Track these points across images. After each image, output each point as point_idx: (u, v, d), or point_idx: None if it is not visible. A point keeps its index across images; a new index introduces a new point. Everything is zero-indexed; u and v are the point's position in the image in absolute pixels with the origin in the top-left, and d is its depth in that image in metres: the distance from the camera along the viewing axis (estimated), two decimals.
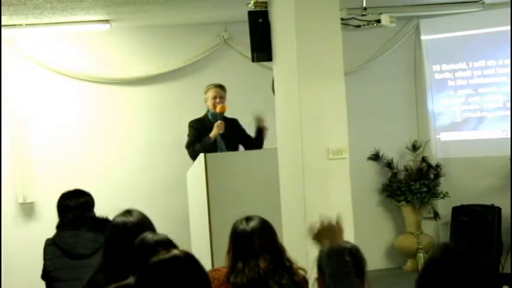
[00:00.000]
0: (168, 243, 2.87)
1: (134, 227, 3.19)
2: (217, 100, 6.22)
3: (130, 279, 2.77)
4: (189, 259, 2.33)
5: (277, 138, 5.04)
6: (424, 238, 7.39)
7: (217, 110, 6.15)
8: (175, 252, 2.34)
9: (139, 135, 7.15)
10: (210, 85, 6.34)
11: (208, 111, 6.30)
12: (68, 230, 4.00)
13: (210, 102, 6.27)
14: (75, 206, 4.07)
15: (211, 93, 6.27)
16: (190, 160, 6.18)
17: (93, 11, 5.89)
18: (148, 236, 2.89)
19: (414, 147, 7.60)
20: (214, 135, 6.08)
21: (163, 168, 7.12)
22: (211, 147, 6.06)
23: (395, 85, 7.73)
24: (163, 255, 2.33)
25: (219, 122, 6.09)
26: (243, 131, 6.38)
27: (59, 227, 4.08)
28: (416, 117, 7.78)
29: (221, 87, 6.31)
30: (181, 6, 5.99)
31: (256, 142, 6.24)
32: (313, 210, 4.63)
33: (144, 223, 3.29)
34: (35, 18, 6.00)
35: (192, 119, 6.35)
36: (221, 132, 6.08)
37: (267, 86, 5.65)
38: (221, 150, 6.12)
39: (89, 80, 7.03)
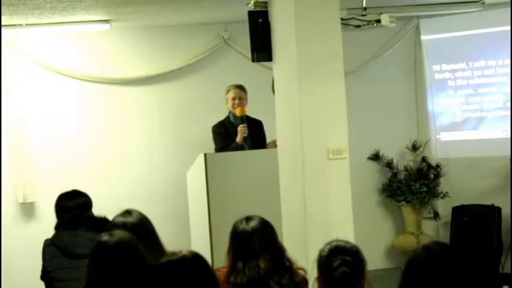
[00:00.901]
0: (130, 245, 2.81)
1: (134, 228, 3.19)
2: (236, 101, 6.22)
3: None
4: (197, 260, 2.33)
5: (277, 138, 5.04)
6: (424, 238, 7.38)
7: (237, 113, 6.15)
8: (183, 252, 2.33)
9: (140, 135, 7.15)
10: (230, 86, 6.35)
11: (230, 113, 6.30)
12: (67, 230, 4.00)
13: (229, 104, 6.27)
14: (73, 206, 4.07)
15: (230, 94, 6.28)
16: (191, 160, 6.18)
17: (93, 11, 5.89)
18: (105, 237, 2.83)
19: (414, 147, 7.60)
20: (240, 140, 6.06)
21: (163, 168, 7.12)
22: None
23: (395, 85, 7.73)
24: (171, 256, 2.32)
25: (241, 126, 6.07)
26: (263, 136, 6.33)
27: (57, 227, 4.08)
28: (416, 117, 7.78)
29: (241, 88, 6.31)
30: (181, 6, 5.99)
31: None
32: (313, 210, 4.64)
33: (143, 223, 3.29)
34: (35, 18, 6.00)
35: (215, 122, 6.32)
36: (245, 135, 6.06)
37: (267, 86, 5.65)
38: None
39: (89, 80, 7.03)
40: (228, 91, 6.31)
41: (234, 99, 6.24)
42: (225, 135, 6.20)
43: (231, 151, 6.02)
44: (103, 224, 3.69)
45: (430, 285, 2.06)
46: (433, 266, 2.07)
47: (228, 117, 6.30)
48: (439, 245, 2.18)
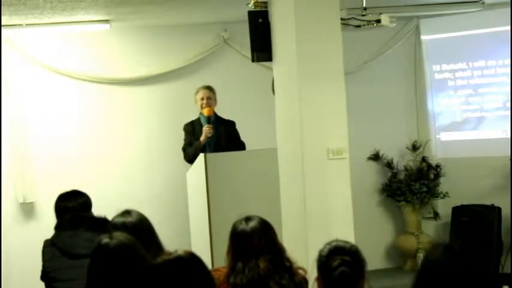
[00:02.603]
0: (130, 247, 2.78)
1: (133, 228, 3.19)
2: (205, 101, 6.39)
3: None
4: (192, 259, 2.33)
5: (277, 138, 5.04)
6: (424, 238, 7.38)
7: (205, 113, 6.33)
8: (179, 252, 2.33)
9: (140, 135, 7.15)
10: (199, 87, 6.52)
11: (200, 114, 6.46)
12: (66, 230, 4.00)
13: (198, 104, 6.45)
14: (73, 206, 4.07)
15: (199, 95, 6.45)
16: None
17: (93, 11, 5.89)
18: (105, 239, 2.82)
19: (414, 147, 7.60)
20: (204, 140, 6.24)
21: (163, 168, 7.12)
22: (202, 151, 6.15)
23: (395, 85, 7.72)
24: (167, 255, 2.32)
25: (206, 126, 6.24)
26: (235, 135, 6.43)
27: (57, 227, 4.08)
28: (416, 117, 7.78)
29: (209, 89, 6.48)
30: (181, 6, 5.99)
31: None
32: (313, 210, 4.64)
33: (142, 223, 3.29)
34: (35, 18, 6.00)
35: (186, 122, 6.51)
36: (209, 135, 6.23)
37: (267, 86, 5.65)
38: None
39: (89, 80, 7.03)
40: (197, 92, 6.49)
41: (202, 99, 6.42)
42: (191, 134, 6.40)
43: (193, 150, 6.23)
44: (103, 224, 3.68)
45: (447, 284, 2.06)
46: (453, 266, 2.07)
47: (198, 118, 6.46)
48: (458, 246, 2.18)
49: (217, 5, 6.06)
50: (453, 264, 2.07)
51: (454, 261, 2.08)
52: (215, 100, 6.49)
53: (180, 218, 6.58)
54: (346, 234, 4.22)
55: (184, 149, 6.44)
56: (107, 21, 6.46)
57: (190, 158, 6.28)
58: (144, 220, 3.33)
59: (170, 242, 3.24)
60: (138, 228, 3.18)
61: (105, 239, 2.77)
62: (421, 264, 2.16)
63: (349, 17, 5.27)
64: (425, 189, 7.39)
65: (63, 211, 4.08)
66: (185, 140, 6.47)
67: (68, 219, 4.02)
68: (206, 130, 6.24)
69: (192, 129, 6.44)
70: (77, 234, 3.95)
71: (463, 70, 7.51)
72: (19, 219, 6.88)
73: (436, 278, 2.08)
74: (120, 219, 3.29)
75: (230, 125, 6.46)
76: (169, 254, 2.32)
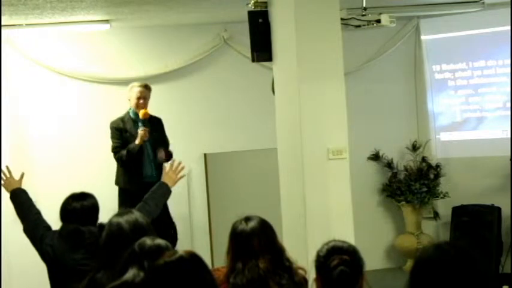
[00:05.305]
0: (166, 249, 2.85)
1: (132, 227, 3.19)
2: (141, 101, 6.12)
3: (128, 275, 2.76)
4: (194, 260, 2.33)
5: (277, 138, 5.05)
6: (424, 238, 7.38)
7: (140, 115, 6.05)
8: (180, 253, 2.33)
9: None
10: (135, 83, 6.24)
11: (130, 109, 6.22)
12: (67, 242, 3.97)
13: (133, 102, 6.16)
14: (81, 209, 4.02)
15: (135, 93, 6.16)
16: (191, 160, 6.18)
17: (93, 11, 5.89)
18: (148, 241, 2.86)
19: (414, 147, 7.60)
20: (140, 143, 5.97)
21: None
22: (137, 154, 5.97)
23: (395, 85, 7.72)
24: (169, 256, 2.32)
25: (142, 129, 5.96)
26: (163, 133, 6.26)
27: (60, 231, 4.06)
28: (416, 117, 7.78)
29: (146, 88, 6.20)
30: (181, 6, 5.99)
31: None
32: (313, 210, 4.64)
33: (142, 223, 3.29)
34: (35, 18, 6.00)
35: (113, 119, 6.23)
36: (145, 139, 5.97)
37: (267, 86, 5.65)
38: (148, 156, 6.02)
39: (89, 80, 7.03)
40: (131, 88, 6.19)
41: (138, 98, 6.12)
42: (122, 131, 6.09)
43: (128, 154, 5.94)
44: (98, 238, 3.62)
45: (440, 284, 2.06)
46: (444, 265, 2.07)
47: (127, 113, 6.20)
48: (450, 245, 2.19)
49: (217, 5, 6.06)
50: (444, 262, 2.07)
51: (444, 260, 2.08)
52: (148, 100, 6.21)
53: (180, 218, 6.56)
54: (346, 234, 4.22)
55: (116, 152, 6.11)
56: (107, 21, 6.47)
57: (124, 162, 6.04)
58: (144, 219, 3.33)
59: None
60: (138, 227, 3.18)
61: (147, 240, 2.81)
62: (413, 265, 2.16)
63: (349, 17, 5.28)
64: (425, 189, 7.39)
65: (68, 214, 4.05)
66: (116, 140, 6.12)
67: (70, 231, 3.98)
68: (142, 134, 5.94)
69: (123, 125, 6.11)
70: (77, 250, 3.93)
71: (463, 70, 7.51)
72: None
73: (427, 277, 2.08)
74: (120, 219, 3.29)
75: (159, 121, 6.30)
76: (171, 254, 2.33)
